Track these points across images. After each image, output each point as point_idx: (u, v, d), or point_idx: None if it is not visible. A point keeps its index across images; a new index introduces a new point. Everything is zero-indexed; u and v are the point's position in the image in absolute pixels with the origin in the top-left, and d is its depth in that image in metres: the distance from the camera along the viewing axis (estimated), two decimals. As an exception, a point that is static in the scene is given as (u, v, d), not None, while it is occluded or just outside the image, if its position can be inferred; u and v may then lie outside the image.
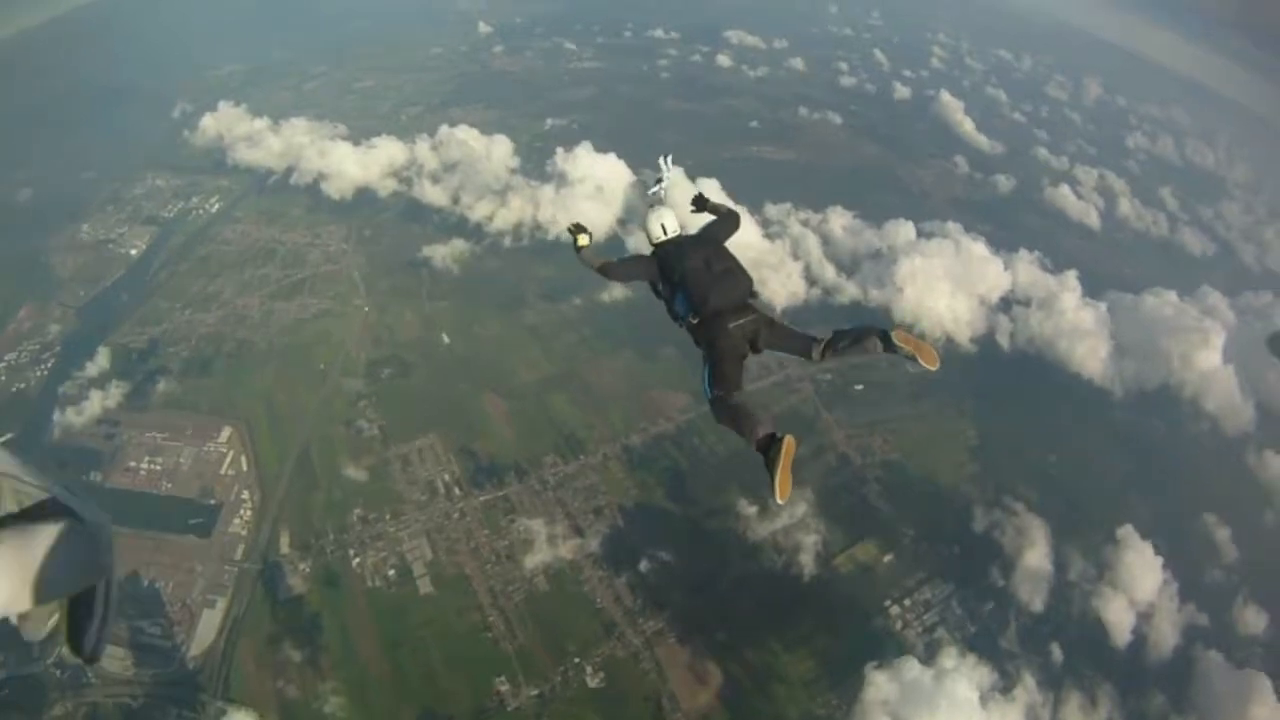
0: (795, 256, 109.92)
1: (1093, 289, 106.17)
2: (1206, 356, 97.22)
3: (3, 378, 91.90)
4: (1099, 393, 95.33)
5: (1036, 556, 75.09)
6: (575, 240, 11.23)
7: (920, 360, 8.85)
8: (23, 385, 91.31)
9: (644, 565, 72.23)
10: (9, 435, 67.55)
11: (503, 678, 64.24)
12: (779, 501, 8.97)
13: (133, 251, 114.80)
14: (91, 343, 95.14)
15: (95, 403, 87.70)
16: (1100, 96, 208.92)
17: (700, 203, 11.82)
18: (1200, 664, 69.10)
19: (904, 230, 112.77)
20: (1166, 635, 71.14)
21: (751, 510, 76.65)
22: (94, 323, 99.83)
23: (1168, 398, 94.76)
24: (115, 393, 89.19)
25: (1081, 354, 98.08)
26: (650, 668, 65.66)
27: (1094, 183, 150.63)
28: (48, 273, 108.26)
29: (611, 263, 10.93)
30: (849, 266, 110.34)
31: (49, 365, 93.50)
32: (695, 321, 9.89)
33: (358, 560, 72.41)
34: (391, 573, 71.38)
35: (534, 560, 72.00)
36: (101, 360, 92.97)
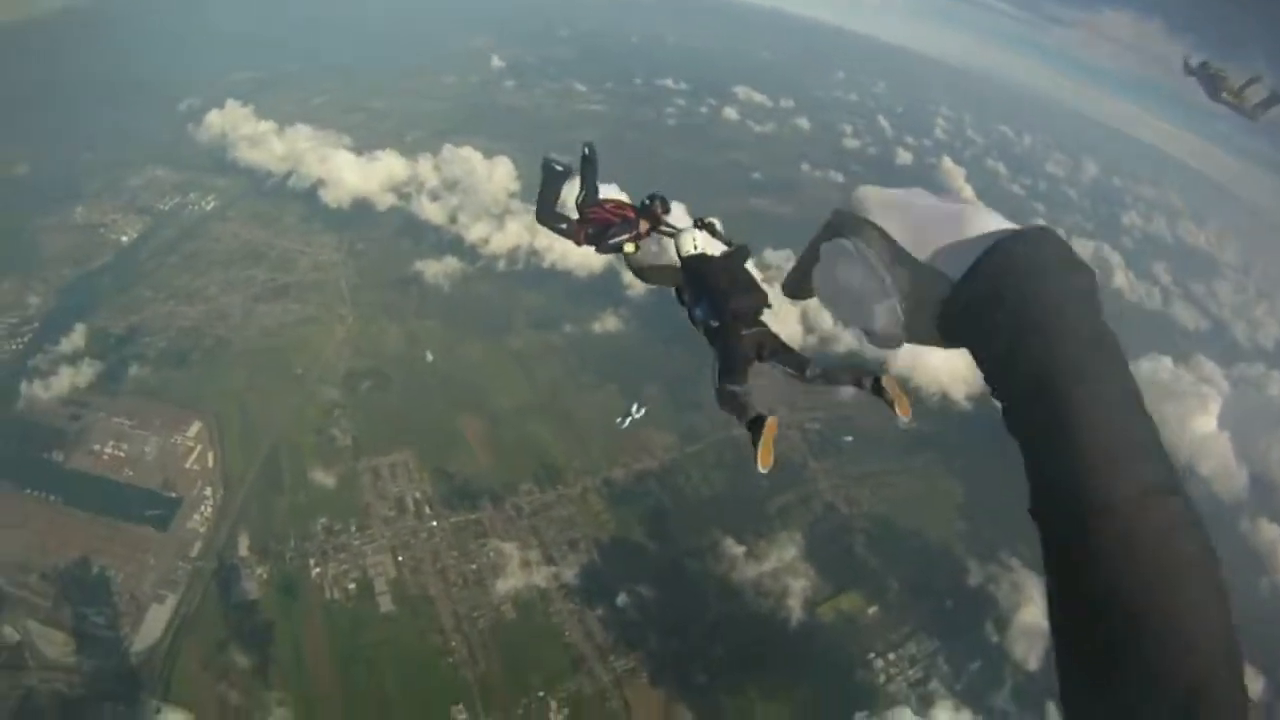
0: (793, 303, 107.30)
1: None
2: (1203, 422, 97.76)
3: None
4: None
5: (1033, 613, 73.34)
6: (622, 248, 11.82)
7: (896, 409, 8.95)
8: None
9: (619, 600, 70.56)
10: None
11: (461, 706, 62.12)
12: (761, 470, 8.81)
13: (123, 239, 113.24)
14: (70, 321, 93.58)
15: (65, 379, 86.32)
16: (1097, 176, 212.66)
17: (711, 230, 12.02)
18: None
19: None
20: None
21: (738, 551, 75.36)
22: (75, 303, 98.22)
23: None
24: (87, 372, 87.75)
25: None
26: (618, 708, 63.83)
27: (1090, 254, 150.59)
28: (34, 250, 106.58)
29: (646, 265, 11.72)
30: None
31: (24, 340, 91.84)
32: (715, 325, 10.30)
33: (318, 570, 70.34)
34: (352, 586, 69.35)
35: (503, 586, 70.23)
36: (77, 338, 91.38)
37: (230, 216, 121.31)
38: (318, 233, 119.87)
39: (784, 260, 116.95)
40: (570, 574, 72.55)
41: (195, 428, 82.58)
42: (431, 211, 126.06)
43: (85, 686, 62.48)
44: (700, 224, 11.75)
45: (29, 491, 75.02)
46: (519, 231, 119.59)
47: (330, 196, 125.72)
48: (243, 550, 72.14)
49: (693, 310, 10.80)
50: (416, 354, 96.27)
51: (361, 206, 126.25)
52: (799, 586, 73.55)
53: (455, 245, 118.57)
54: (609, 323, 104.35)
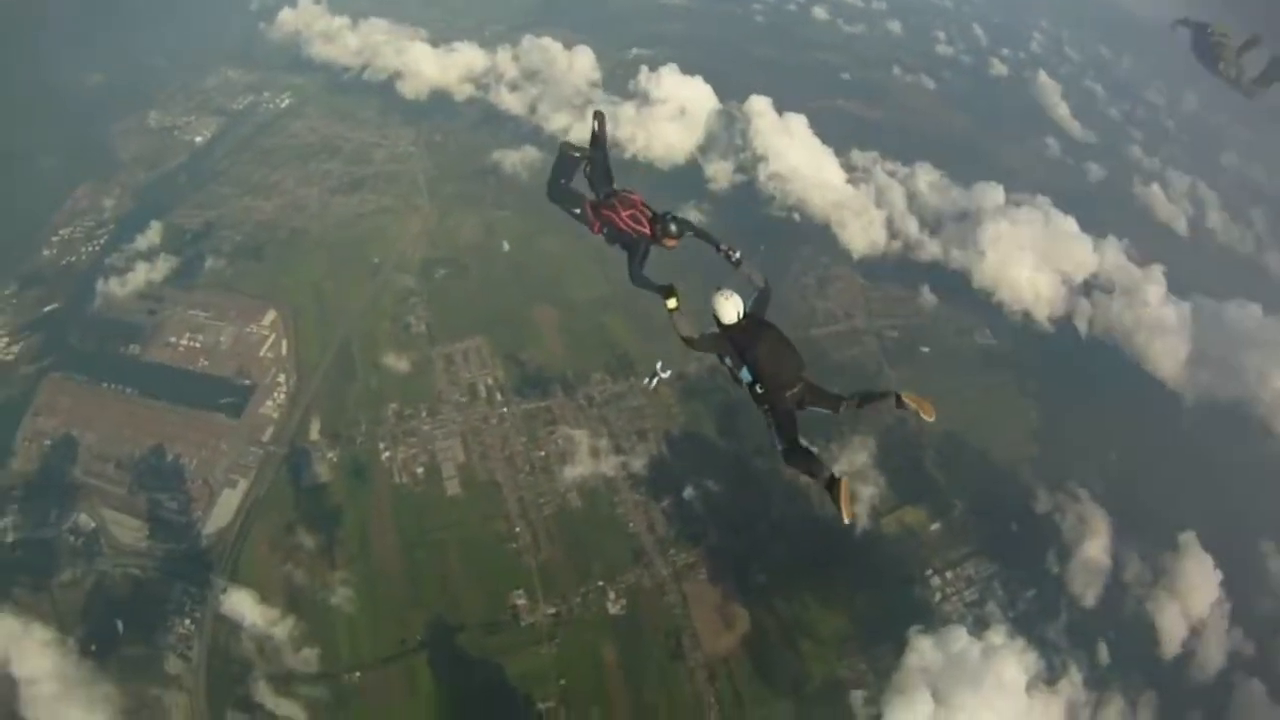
0: (878, 205, 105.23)
1: (1175, 291, 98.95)
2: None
3: (54, 251, 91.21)
4: (1170, 396, 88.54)
5: (1096, 549, 70.50)
6: (666, 303, 12.93)
7: (921, 414, 11.38)
8: (73, 259, 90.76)
9: (685, 493, 69.35)
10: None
11: (520, 592, 62.27)
12: (846, 521, 11.08)
13: (198, 139, 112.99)
14: (145, 220, 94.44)
15: (141, 274, 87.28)
16: (1197, 110, 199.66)
17: (738, 264, 13.81)
18: (1241, 691, 64.33)
19: (993, 194, 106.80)
20: (1213, 655, 66.25)
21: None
22: (150, 203, 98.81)
23: (1239, 414, 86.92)
24: (163, 267, 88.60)
25: (1158, 352, 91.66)
26: (675, 602, 63.14)
27: (1185, 188, 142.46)
28: (110, 155, 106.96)
29: (695, 338, 12.73)
30: (932, 224, 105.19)
31: (101, 241, 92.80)
32: (760, 390, 12.26)
33: (387, 454, 70.46)
34: (420, 470, 69.33)
35: (570, 473, 69.56)
36: (153, 235, 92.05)
37: (305, 112, 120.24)
38: (395, 125, 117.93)
39: (870, 162, 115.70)
40: (638, 464, 71.47)
41: (270, 317, 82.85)
42: (510, 102, 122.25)
43: (157, 570, 64.03)
44: (729, 256, 13.59)
45: (106, 385, 76.65)
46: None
47: (407, 89, 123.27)
48: (314, 435, 72.68)
49: (736, 371, 12.58)
50: (493, 244, 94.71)
51: (439, 98, 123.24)
52: (866, 494, 71.52)
53: (534, 135, 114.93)
54: (691, 215, 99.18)
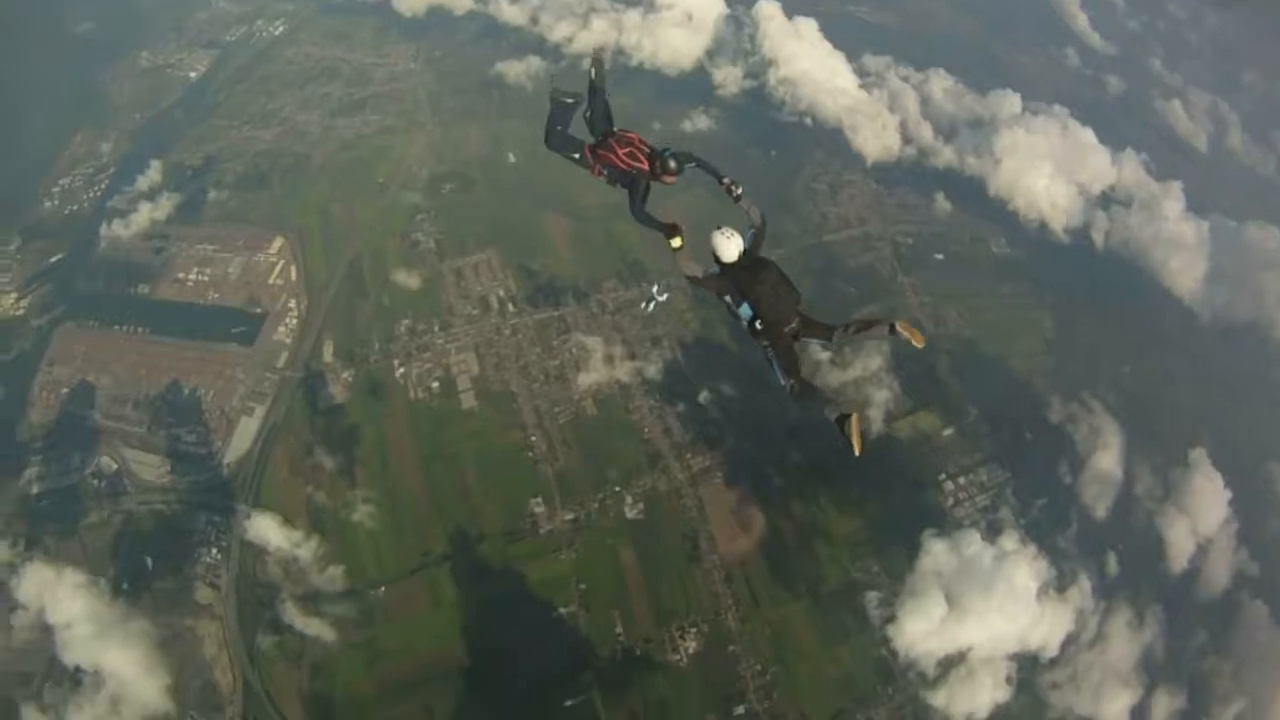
0: (892, 110, 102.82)
1: (1193, 209, 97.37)
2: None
3: (56, 202, 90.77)
4: (1186, 313, 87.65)
5: (1108, 460, 70.37)
6: (670, 243, 12.78)
7: (913, 342, 11.24)
8: (75, 207, 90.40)
9: (700, 398, 69.35)
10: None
11: (539, 499, 62.83)
12: (858, 454, 10.82)
13: (192, 75, 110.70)
14: (145, 160, 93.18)
15: (144, 215, 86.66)
16: (1218, 26, 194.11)
17: (739, 199, 13.35)
18: (1245, 612, 64.49)
19: (1009, 101, 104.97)
20: (1219, 573, 66.53)
21: (822, 357, 72.18)
22: (149, 143, 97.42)
23: (1255, 335, 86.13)
24: (166, 205, 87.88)
25: (1175, 268, 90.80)
26: (692, 505, 63.70)
27: (1206, 106, 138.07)
28: (104, 101, 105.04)
29: (700, 278, 12.81)
30: (947, 130, 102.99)
31: (102, 186, 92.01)
32: (760, 327, 12.09)
33: (401, 371, 70.73)
34: (435, 385, 69.64)
35: (585, 381, 69.61)
36: (153, 175, 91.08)
37: (300, 38, 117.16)
38: (393, 43, 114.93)
39: (883, 67, 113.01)
40: (652, 370, 71.54)
41: (278, 244, 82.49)
42: (511, 14, 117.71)
43: (181, 503, 64.82)
44: (730, 191, 13.01)
45: (118, 328, 77.05)
46: (604, 30, 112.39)
47: (404, 6, 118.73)
48: (327, 357, 72.79)
49: (736, 308, 12.47)
50: (499, 156, 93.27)
51: (437, 14, 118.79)
52: (880, 398, 71.41)
53: (538, 46, 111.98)
54: (699, 121, 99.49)
